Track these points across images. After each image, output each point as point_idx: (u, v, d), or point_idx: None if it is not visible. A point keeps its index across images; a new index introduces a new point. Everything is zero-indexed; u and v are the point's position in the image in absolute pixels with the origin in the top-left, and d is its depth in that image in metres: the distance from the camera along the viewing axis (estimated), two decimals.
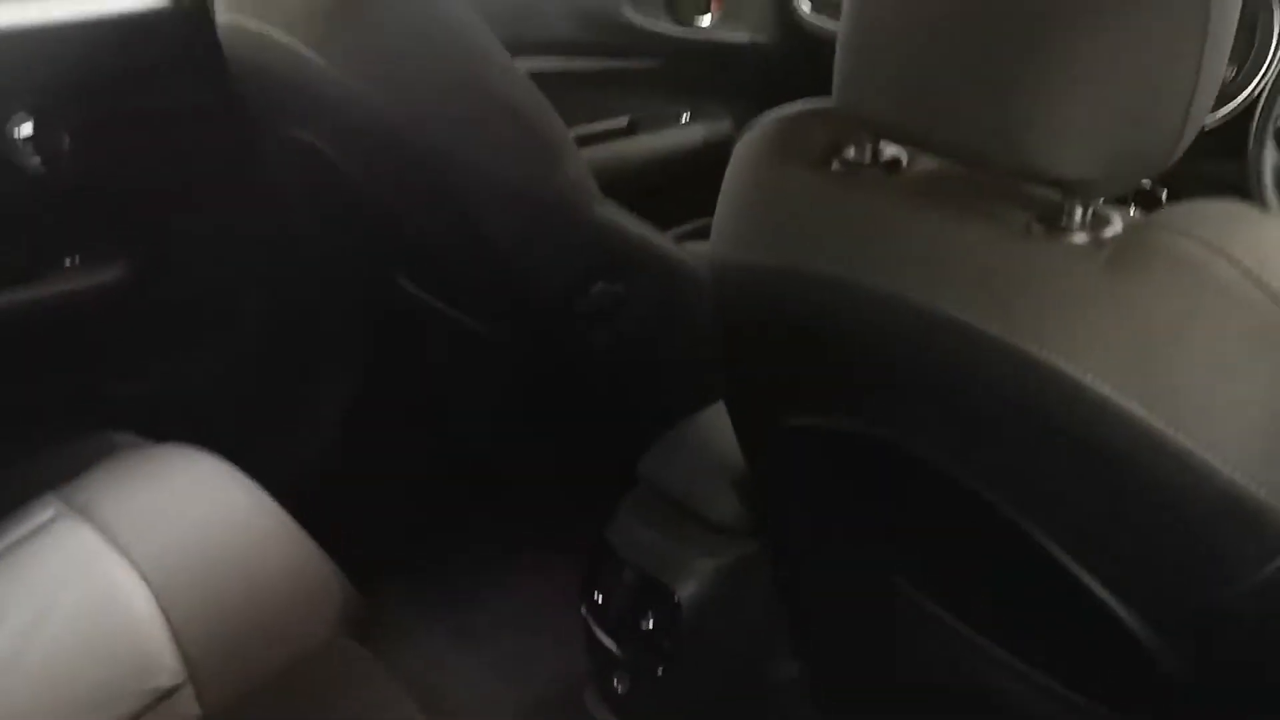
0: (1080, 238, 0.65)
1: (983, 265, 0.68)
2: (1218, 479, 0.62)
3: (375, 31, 1.13)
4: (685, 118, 1.96)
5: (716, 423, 1.12)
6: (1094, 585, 0.72)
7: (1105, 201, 0.67)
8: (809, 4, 1.90)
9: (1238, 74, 1.34)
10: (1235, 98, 1.34)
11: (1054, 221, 0.66)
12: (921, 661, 0.99)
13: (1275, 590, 0.65)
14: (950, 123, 0.66)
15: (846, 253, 0.74)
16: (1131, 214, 0.68)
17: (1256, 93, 1.32)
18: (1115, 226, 0.66)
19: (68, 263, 1.43)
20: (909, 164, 0.75)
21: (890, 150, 0.76)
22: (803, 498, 0.99)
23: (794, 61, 1.91)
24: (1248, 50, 1.35)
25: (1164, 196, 1.30)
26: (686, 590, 1.12)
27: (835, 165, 0.77)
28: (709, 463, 1.13)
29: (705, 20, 1.90)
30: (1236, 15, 0.64)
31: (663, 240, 1.31)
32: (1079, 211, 0.65)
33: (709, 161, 1.90)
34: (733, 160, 0.85)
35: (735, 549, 1.12)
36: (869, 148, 0.76)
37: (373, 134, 1.16)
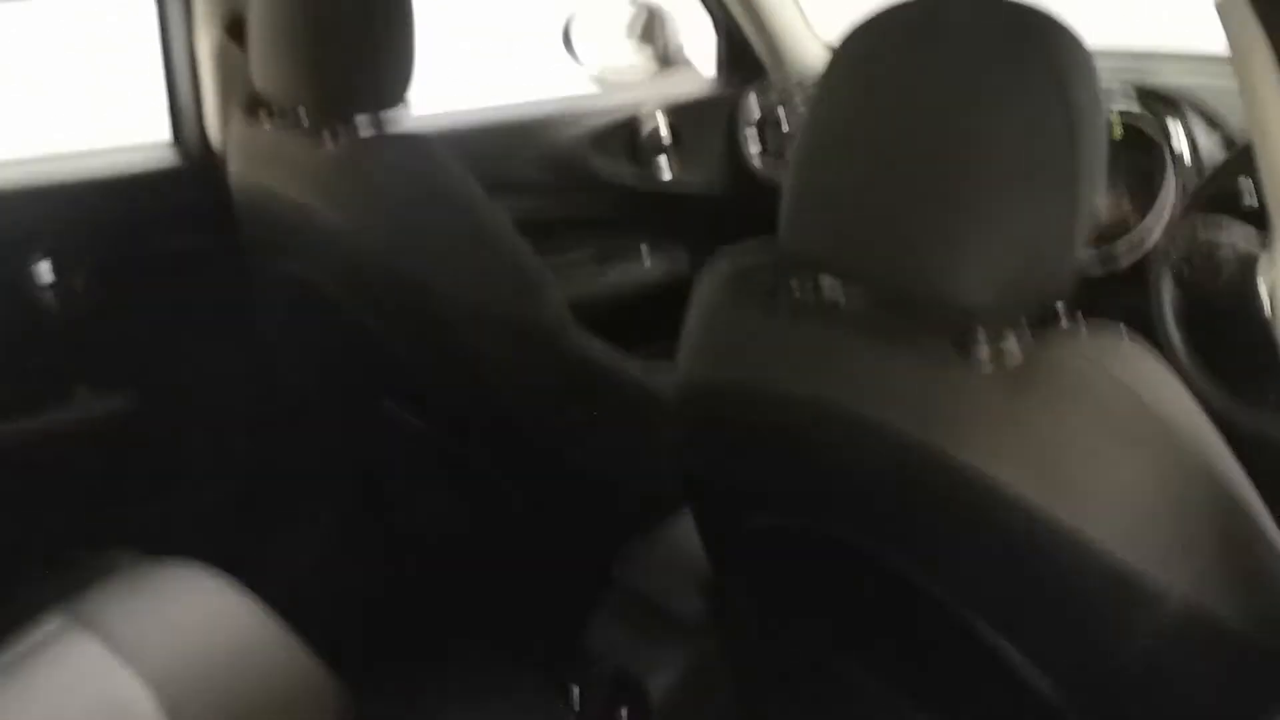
0: (987, 360, 0.79)
1: (913, 385, 0.81)
2: (1106, 558, 0.74)
3: (375, 179, 1.27)
4: (645, 253, 2.12)
5: (684, 528, 1.23)
6: (1015, 656, 0.84)
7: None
8: (757, 157, 2.09)
9: (1142, 222, 1.52)
10: (1142, 244, 1.51)
11: (966, 346, 0.80)
12: None
13: (1162, 652, 0.76)
14: (875, 261, 0.81)
15: (797, 372, 0.88)
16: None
17: (1156, 239, 1.49)
18: (1015, 350, 0.79)
19: (79, 392, 1.54)
20: (845, 302, 0.89)
21: (828, 283, 0.90)
22: (760, 590, 1.10)
23: (744, 206, 2.08)
24: (1149, 202, 1.52)
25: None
26: (658, 682, 1.21)
27: (782, 298, 0.90)
28: (678, 565, 1.24)
29: (665, 170, 2.07)
30: (1101, 177, 0.79)
31: (629, 365, 1.44)
32: (982, 336, 0.79)
33: (668, 293, 2.06)
34: (695, 293, 0.98)
35: (702, 644, 1.22)
36: (811, 282, 0.89)
37: (369, 270, 1.29)
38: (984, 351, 0.79)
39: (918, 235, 0.78)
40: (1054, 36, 0.76)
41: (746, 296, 0.93)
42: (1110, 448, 0.74)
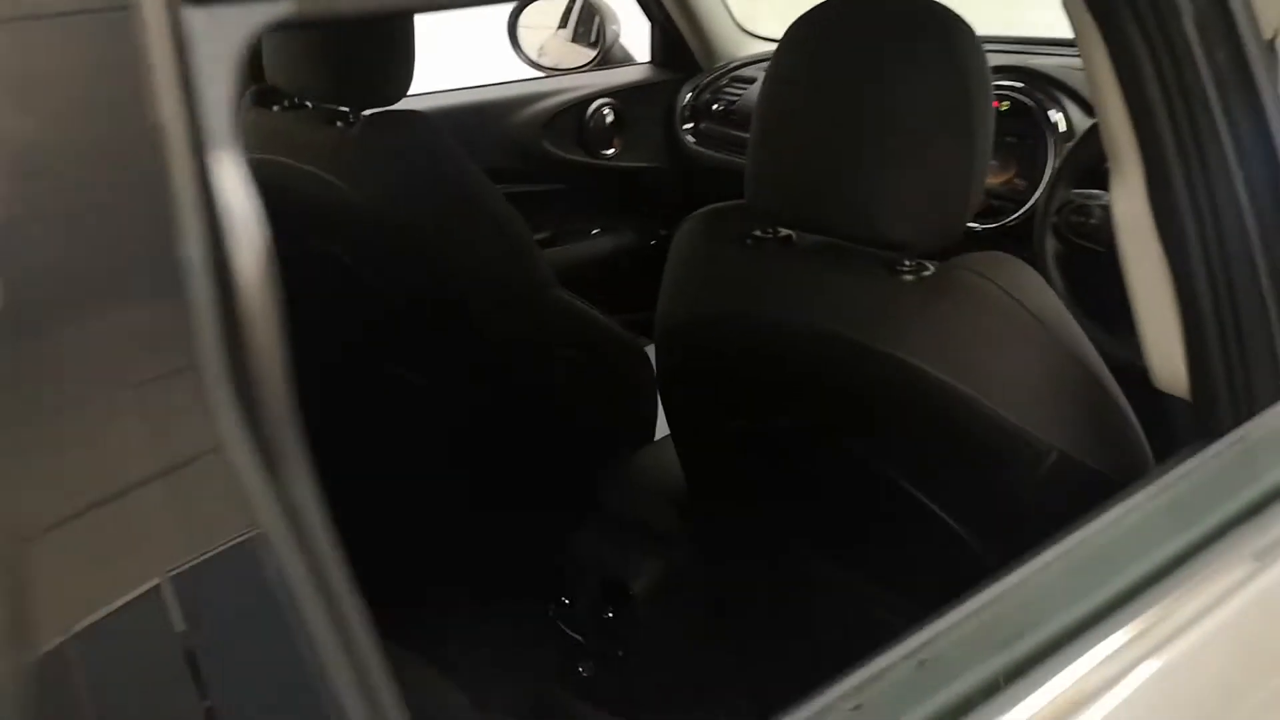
0: (909, 277, 1.03)
1: (854, 300, 1.05)
2: (1003, 423, 0.99)
3: (383, 155, 1.47)
4: (596, 232, 2.34)
5: (660, 455, 1.46)
6: (939, 513, 1.08)
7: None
8: (692, 138, 2.33)
9: (1028, 185, 1.79)
10: (1026, 203, 1.77)
11: (895, 270, 1.04)
12: (815, 612, 1.32)
13: (1046, 495, 1.01)
14: (821, 208, 1.04)
15: (762, 298, 1.11)
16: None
17: (1040, 199, 1.76)
18: (929, 269, 1.04)
19: None
20: (798, 239, 1.13)
21: (784, 231, 1.13)
22: (730, 490, 1.33)
23: (681, 181, 2.32)
24: (1032, 169, 1.79)
25: None
26: (640, 585, 1.44)
27: (749, 241, 1.14)
28: (656, 486, 1.47)
29: (610, 151, 2.30)
30: (989, 138, 1.03)
31: (605, 317, 1.67)
32: (906, 262, 1.03)
33: (617, 267, 2.28)
34: (674, 243, 1.21)
35: (679, 551, 1.45)
36: (771, 228, 1.13)
37: (378, 235, 1.49)
38: (907, 271, 1.03)
39: (853, 187, 1.02)
40: (949, 24, 1.00)
41: (719, 243, 1.16)
42: (1001, 339, 0.99)
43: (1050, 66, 1.84)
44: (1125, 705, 0.64)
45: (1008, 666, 0.65)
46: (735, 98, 2.28)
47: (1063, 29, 1.04)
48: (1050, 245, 1.70)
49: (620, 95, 2.30)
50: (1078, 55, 1.85)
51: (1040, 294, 1.02)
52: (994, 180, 1.81)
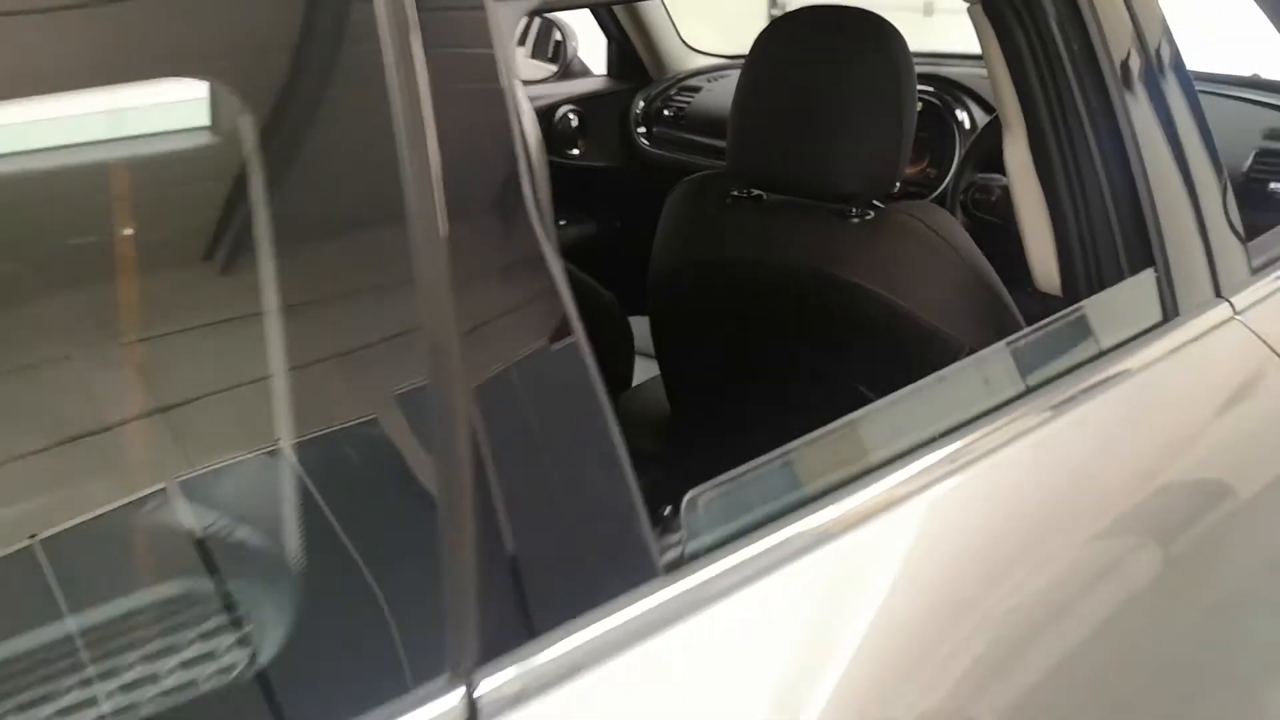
0: (855, 220, 1.34)
1: (813, 238, 1.36)
2: (926, 325, 1.30)
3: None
4: (563, 224, 2.63)
5: (638, 395, 1.75)
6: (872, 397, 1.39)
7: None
8: (646, 141, 2.64)
9: (939, 174, 2.13)
10: (938, 188, 2.12)
11: (845, 215, 1.35)
12: None
13: None
14: (788, 171, 1.35)
15: (741, 244, 1.41)
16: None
17: (949, 183, 2.10)
18: (870, 214, 1.35)
19: None
20: (768, 198, 1.43)
21: (756, 191, 1.44)
22: (708, 404, 1.63)
23: (638, 178, 2.62)
24: (943, 158, 2.13)
25: None
26: None
27: (728, 200, 1.44)
28: (636, 419, 1.76)
29: (575, 151, 2.60)
30: (915, 115, 1.35)
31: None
32: (857, 209, 1.34)
33: (580, 256, 2.57)
34: (667, 204, 1.51)
35: (658, 471, 1.74)
36: (746, 190, 1.43)
37: None
38: (854, 216, 1.34)
39: (812, 154, 1.33)
40: (885, 31, 1.32)
41: (703, 202, 1.47)
42: (926, 262, 1.31)
43: (957, 74, 2.19)
44: (929, 507, 0.87)
45: (855, 470, 0.89)
46: (684, 105, 2.60)
47: (969, 44, 1.35)
48: (959, 220, 2.05)
49: (582, 103, 2.61)
50: (980, 66, 2.21)
51: (954, 229, 1.34)
52: (910, 171, 2.15)
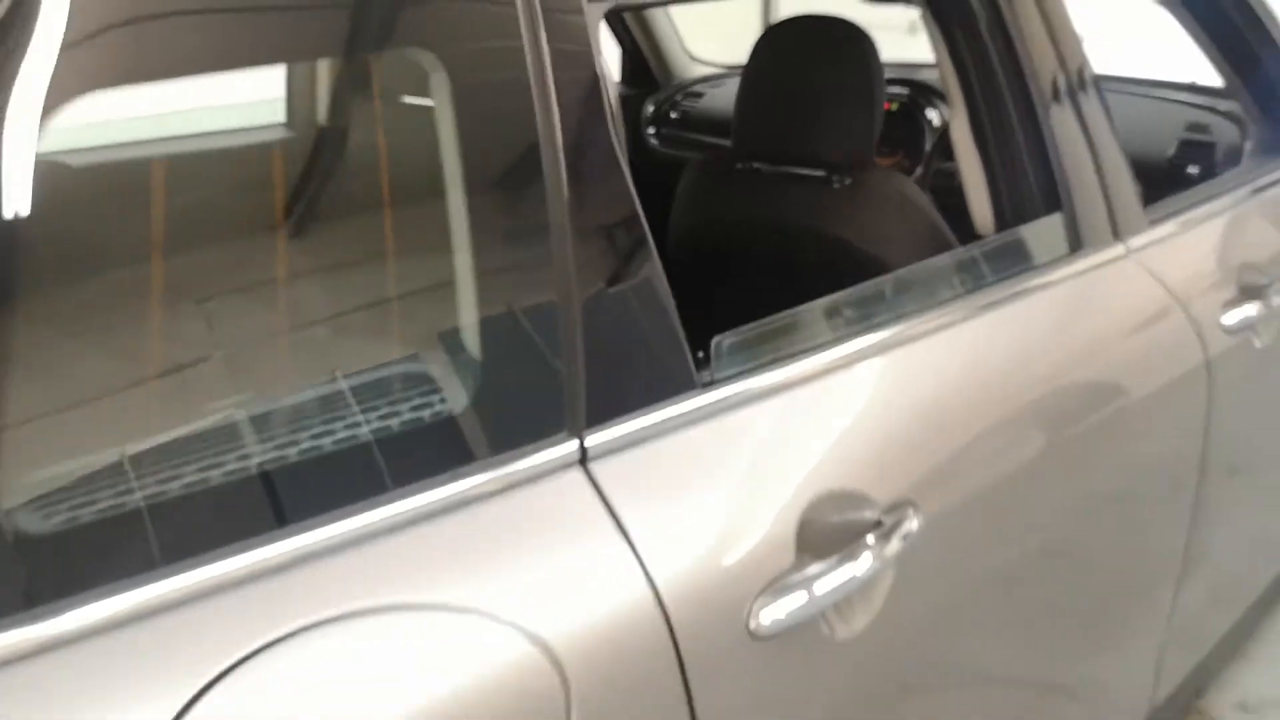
0: (837, 186, 1.68)
1: (803, 201, 1.70)
2: (889, 267, 1.64)
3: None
4: None
5: None
6: None
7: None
8: (656, 141, 2.99)
9: (911, 164, 2.47)
10: (912, 173, 2.46)
11: (829, 183, 1.69)
12: None
13: None
14: (783, 148, 1.69)
15: (744, 206, 1.75)
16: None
17: (920, 172, 2.44)
18: (849, 180, 1.69)
19: None
20: (764, 169, 1.77)
21: (755, 164, 1.77)
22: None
23: (648, 174, 2.95)
24: (915, 150, 2.48)
25: None
26: None
27: (734, 172, 1.78)
28: None
29: None
30: (883, 103, 1.69)
31: None
32: (837, 176, 1.68)
33: None
34: (682, 177, 1.85)
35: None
36: (748, 163, 1.77)
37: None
38: (836, 183, 1.68)
39: (801, 132, 1.67)
40: (860, 38, 1.66)
41: (711, 174, 1.81)
42: (893, 219, 1.65)
43: (929, 78, 2.53)
44: (889, 362, 1.16)
45: (836, 332, 1.17)
46: (688, 108, 2.95)
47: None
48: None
49: None
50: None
51: (916, 193, 1.68)
52: (887, 162, 2.50)
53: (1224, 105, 2.29)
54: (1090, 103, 1.52)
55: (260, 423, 0.80)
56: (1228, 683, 2.37)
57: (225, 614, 0.73)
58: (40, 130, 0.70)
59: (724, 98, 2.81)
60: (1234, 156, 2.15)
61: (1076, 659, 1.49)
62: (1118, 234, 1.52)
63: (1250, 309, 1.63)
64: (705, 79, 3.02)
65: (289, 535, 0.77)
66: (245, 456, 0.78)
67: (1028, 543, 1.30)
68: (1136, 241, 1.54)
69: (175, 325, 0.78)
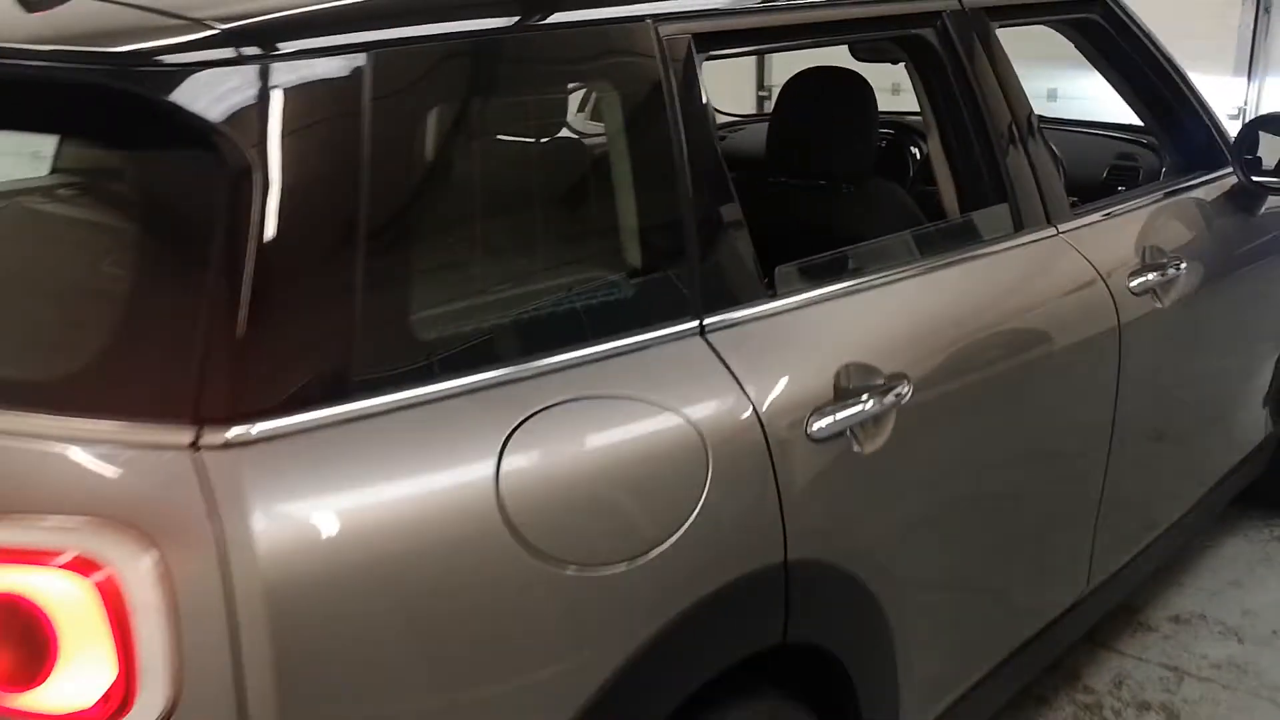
0: (845, 192, 2.27)
1: (822, 202, 2.28)
2: None
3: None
4: None
5: None
6: None
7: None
8: None
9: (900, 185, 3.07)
10: None
11: (840, 191, 2.27)
12: None
13: None
14: (804, 165, 2.28)
15: (779, 209, 2.34)
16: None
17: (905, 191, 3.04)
18: (855, 186, 2.27)
19: None
20: (788, 181, 2.35)
21: (782, 178, 2.35)
22: None
23: None
24: (902, 177, 3.08)
25: None
26: None
27: (768, 185, 2.36)
28: None
29: None
30: (877, 134, 2.29)
31: None
32: (846, 186, 2.27)
33: None
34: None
35: None
36: (779, 179, 2.35)
37: None
38: (844, 190, 2.27)
39: (820, 155, 2.26)
40: (857, 80, 2.25)
41: (752, 188, 2.39)
42: (888, 214, 2.23)
43: (913, 122, 3.14)
44: (881, 292, 1.77)
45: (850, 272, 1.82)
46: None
47: None
48: None
49: None
50: None
51: (904, 194, 2.27)
52: None
53: (1146, 139, 2.90)
54: (1029, 129, 2.12)
55: (545, 293, 1.38)
56: (1161, 601, 2.93)
57: (520, 393, 1.29)
58: None
59: (741, 139, 3.40)
60: (1153, 177, 2.76)
61: (1025, 534, 2.06)
62: (1050, 220, 2.11)
63: (1152, 276, 2.22)
64: (723, 125, 3.63)
65: (555, 354, 1.33)
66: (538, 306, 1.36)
67: (989, 419, 1.87)
68: (1065, 226, 2.13)
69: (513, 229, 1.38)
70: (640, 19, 1.53)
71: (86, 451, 1.10)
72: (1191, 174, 2.62)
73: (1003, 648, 2.08)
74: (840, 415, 1.53)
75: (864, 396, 1.57)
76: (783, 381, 1.51)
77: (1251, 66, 6.93)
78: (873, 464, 1.60)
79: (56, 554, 1.04)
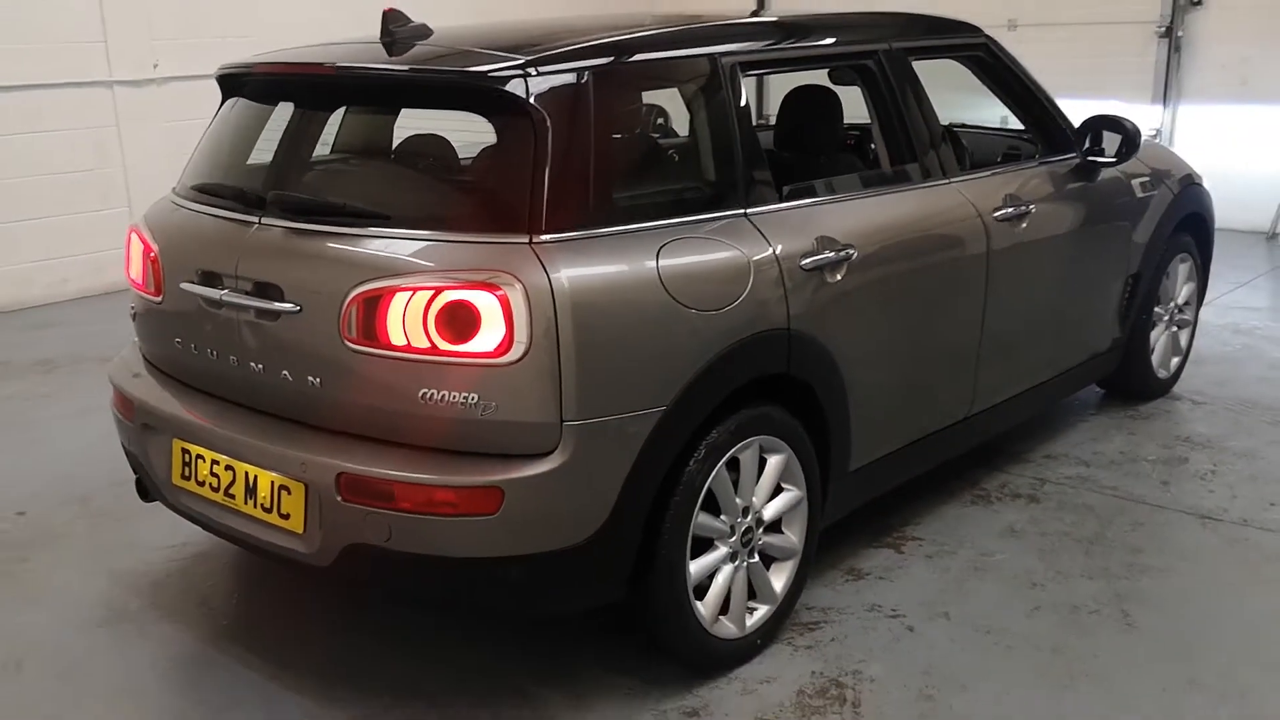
0: (822, 160, 3.68)
1: (810, 163, 3.70)
2: None
3: None
4: None
5: None
6: None
7: None
8: None
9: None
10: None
11: (818, 157, 3.68)
12: None
13: None
14: (799, 141, 3.70)
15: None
16: None
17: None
18: (825, 157, 3.68)
19: None
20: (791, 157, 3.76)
21: (784, 151, 3.76)
22: None
23: None
24: (864, 160, 4.51)
25: None
26: None
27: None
28: None
29: None
30: (843, 133, 3.71)
31: None
32: (824, 159, 3.67)
33: None
34: None
35: None
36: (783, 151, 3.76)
37: None
38: (824, 157, 3.67)
39: (811, 140, 3.67)
40: (829, 94, 3.66)
41: None
42: (852, 167, 3.65)
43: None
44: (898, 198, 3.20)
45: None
46: None
47: None
48: None
49: None
50: None
51: (859, 160, 3.68)
52: None
53: (1026, 136, 4.33)
54: (932, 121, 3.54)
55: (675, 189, 2.80)
56: (1039, 446, 4.34)
57: (663, 233, 2.70)
58: None
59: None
60: (1008, 159, 4.18)
61: (925, 356, 3.45)
62: (945, 175, 3.52)
63: (1010, 210, 3.64)
64: None
65: (681, 218, 2.74)
66: (672, 195, 2.78)
67: (902, 274, 3.28)
68: (954, 180, 3.55)
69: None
70: (712, 55, 2.95)
71: (484, 244, 2.51)
72: (1048, 157, 4.05)
73: (915, 430, 3.48)
74: (817, 259, 2.94)
75: (828, 252, 2.98)
76: (787, 241, 2.92)
77: (1166, 95, 8.51)
78: (834, 288, 3.00)
79: (481, 285, 2.44)
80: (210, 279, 2.82)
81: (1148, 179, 4.36)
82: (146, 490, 3.13)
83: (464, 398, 2.45)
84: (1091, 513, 3.79)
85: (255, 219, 2.79)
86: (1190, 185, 4.62)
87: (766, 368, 2.84)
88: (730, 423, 2.75)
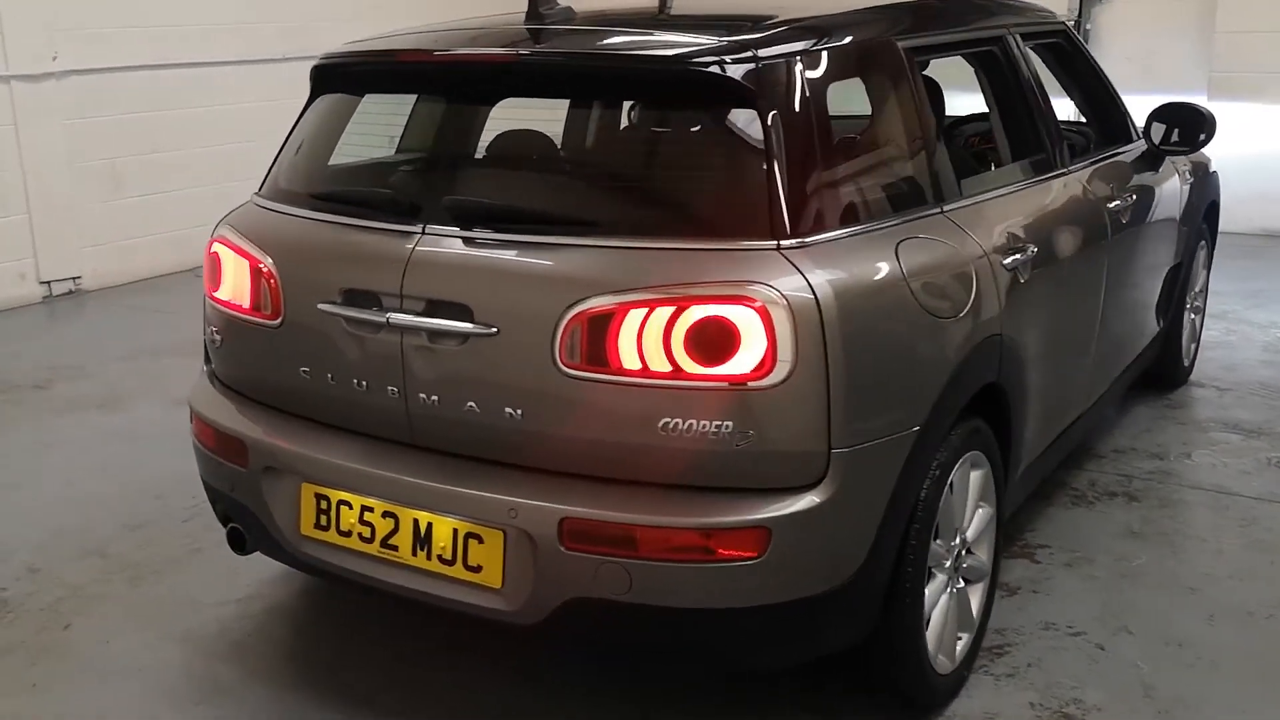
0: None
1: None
2: None
3: None
4: None
5: None
6: None
7: None
8: None
9: None
10: None
11: None
12: None
13: None
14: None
15: None
16: None
17: None
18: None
19: None
20: None
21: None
22: None
23: None
24: None
25: None
26: None
27: None
28: None
29: None
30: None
31: None
32: None
33: None
34: None
35: None
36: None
37: None
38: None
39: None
40: (937, 88, 3.47)
41: None
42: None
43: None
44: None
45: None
46: None
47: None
48: None
49: None
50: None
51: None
52: None
53: (1077, 127, 4.25)
54: (1054, 114, 3.39)
55: (883, 185, 2.54)
56: (1097, 439, 4.27)
57: (895, 231, 2.44)
58: None
59: None
60: (1086, 149, 4.09)
61: (1078, 352, 3.30)
62: (1068, 166, 3.38)
63: (1119, 201, 3.53)
64: None
65: (894, 218, 2.48)
66: (888, 190, 2.51)
67: (1066, 275, 3.11)
68: (1074, 170, 3.41)
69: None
70: (894, 41, 2.70)
71: (725, 251, 2.19)
72: (1117, 145, 3.97)
73: (1055, 430, 3.33)
74: (1016, 257, 2.74)
75: (1021, 251, 2.78)
76: (985, 238, 2.69)
77: None
78: (1023, 288, 2.80)
79: (735, 299, 2.12)
80: (360, 298, 2.39)
81: (1189, 167, 4.35)
82: (244, 541, 2.67)
83: (716, 426, 2.13)
84: (1198, 509, 3.73)
85: (417, 228, 2.38)
86: (1209, 173, 4.65)
87: (984, 377, 2.62)
88: (954, 439, 2.52)
